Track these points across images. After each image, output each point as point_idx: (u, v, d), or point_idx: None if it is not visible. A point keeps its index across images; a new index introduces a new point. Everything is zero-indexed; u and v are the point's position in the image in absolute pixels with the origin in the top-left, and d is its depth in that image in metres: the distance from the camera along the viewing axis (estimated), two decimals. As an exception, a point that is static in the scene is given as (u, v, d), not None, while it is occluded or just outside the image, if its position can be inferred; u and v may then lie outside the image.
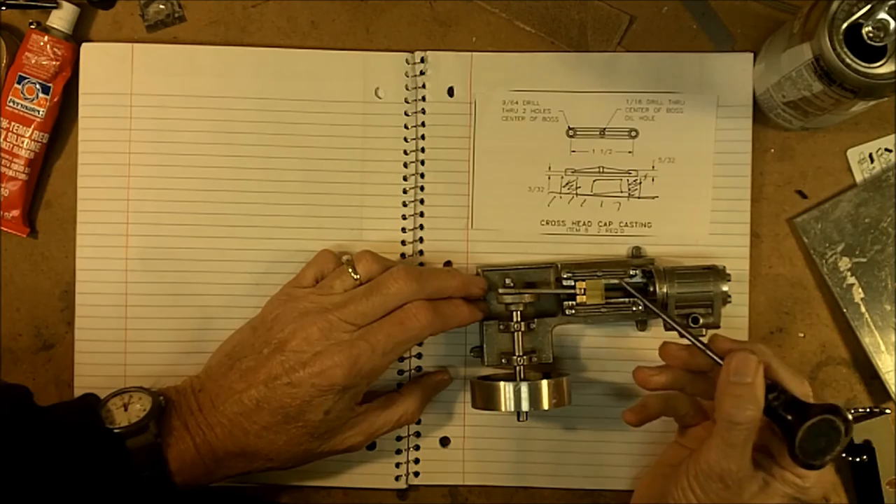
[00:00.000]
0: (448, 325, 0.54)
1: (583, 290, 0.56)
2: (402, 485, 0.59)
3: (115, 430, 0.48)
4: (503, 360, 0.57)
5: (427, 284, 0.53)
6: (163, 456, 0.49)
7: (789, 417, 0.46)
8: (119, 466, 0.48)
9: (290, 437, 0.51)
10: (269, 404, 0.50)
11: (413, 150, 0.60)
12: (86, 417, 0.49)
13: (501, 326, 0.57)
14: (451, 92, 0.60)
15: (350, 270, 0.53)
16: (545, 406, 0.54)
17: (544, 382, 0.54)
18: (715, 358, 0.48)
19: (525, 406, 0.54)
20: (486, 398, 0.55)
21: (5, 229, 0.60)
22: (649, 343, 0.59)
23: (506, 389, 0.54)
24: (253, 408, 0.50)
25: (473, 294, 0.56)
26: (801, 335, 0.59)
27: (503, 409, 0.54)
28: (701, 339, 0.50)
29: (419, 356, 0.59)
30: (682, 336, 0.52)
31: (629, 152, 0.59)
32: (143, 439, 0.48)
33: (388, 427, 0.55)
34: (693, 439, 0.54)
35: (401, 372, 0.59)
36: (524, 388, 0.54)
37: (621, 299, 0.56)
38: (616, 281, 0.56)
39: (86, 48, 0.60)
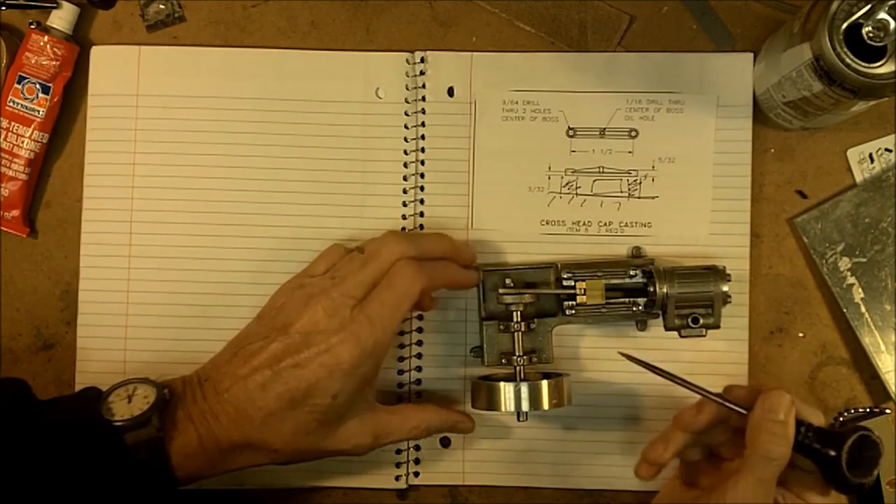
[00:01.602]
0: (437, 280, 0.53)
1: (583, 290, 0.56)
2: (402, 485, 0.59)
3: (117, 423, 0.47)
4: (503, 360, 0.57)
5: (418, 244, 0.53)
6: (164, 450, 0.48)
7: (830, 451, 0.47)
8: (117, 461, 0.47)
9: (297, 423, 0.50)
10: (274, 388, 0.49)
11: (413, 150, 0.60)
12: (84, 410, 0.49)
13: (501, 326, 0.57)
14: (451, 92, 0.60)
15: (359, 255, 0.54)
16: (545, 406, 0.54)
17: (544, 382, 0.54)
18: (738, 409, 0.49)
19: (525, 406, 0.54)
20: (486, 398, 0.55)
21: (5, 229, 0.60)
22: (649, 343, 0.59)
23: (506, 389, 0.54)
24: (258, 393, 0.49)
25: (464, 261, 0.56)
26: (801, 335, 0.59)
27: (503, 409, 0.54)
28: (717, 393, 0.51)
29: (419, 356, 0.60)
30: (692, 389, 0.51)
31: (629, 152, 0.59)
32: (146, 433, 0.47)
33: (398, 435, 0.54)
34: (695, 476, 0.54)
35: (401, 372, 0.59)
36: (524, 388, 0.54)
37: (621, 299, 0.56)
38: (617, 281, 0.56)
39: (95, 51, 0.60)
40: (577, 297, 0.56)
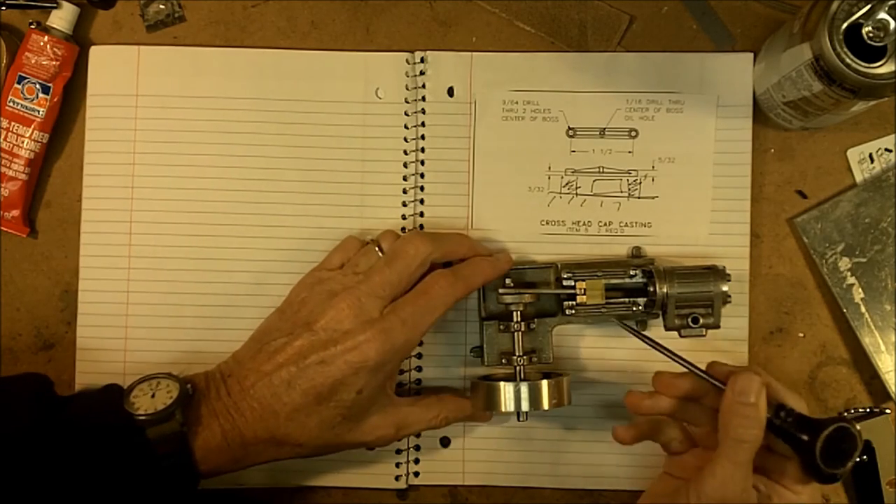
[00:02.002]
0: (472, 285, 0.54)
1: (583, 291, 0.56)
2: (402, 485, 0.59)
3: (140, 418, 0.48)
4: (503, 360, 0.57)
5: (441, 244, 0.53)
6: (188, 444, 0.48)
7: (804, 436, 0.47)
8: (140, 455, 0.47)
9: (322, 418, 0.50)
10: (300, 384, 0.49)
11: (413, 150, 0.60)
12: (108, 405, 0.49)
13: (501, 326, 0.57)
14: (451, 92, 0.60)
15: (376, 249, 0.54)
16: (545, 406, 0.54)
17: (544, 382, 0.54)
18: (717, 383, 0.49)
19: (525, 406, 0.54)
20: (485, 398, 0.55)
21: (5, 229, 0.60)
22: (649, 343, 0.59)
23: (506, 390, 0.54)
24: (284, 389, 0.49)
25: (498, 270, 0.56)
26: (801, 335, 0.59)
27: (503, 409, 0.54)
28: (699, 366, 0.51)
29: (419, 356, 0.59)
30: (676, 361, 0.52)
31: (629, 152, 0.59)
32: (169, 427, 0.48)
33: (418, 426, 0.55)
34: (681, 468, 0.53)
35: (401, 371, 0.59)
36: (524, 388, 0.54)
37: (621, 299, 0.56)
38: (617, 281, 0.56)
39: (94, 51, 0.60)
40: (577, 297, 0.56)
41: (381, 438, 0.53)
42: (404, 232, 0.59)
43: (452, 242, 0.55)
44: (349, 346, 0.49)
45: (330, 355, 0.49)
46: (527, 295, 0.56)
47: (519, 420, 0.55)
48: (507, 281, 0.57)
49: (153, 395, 0.49)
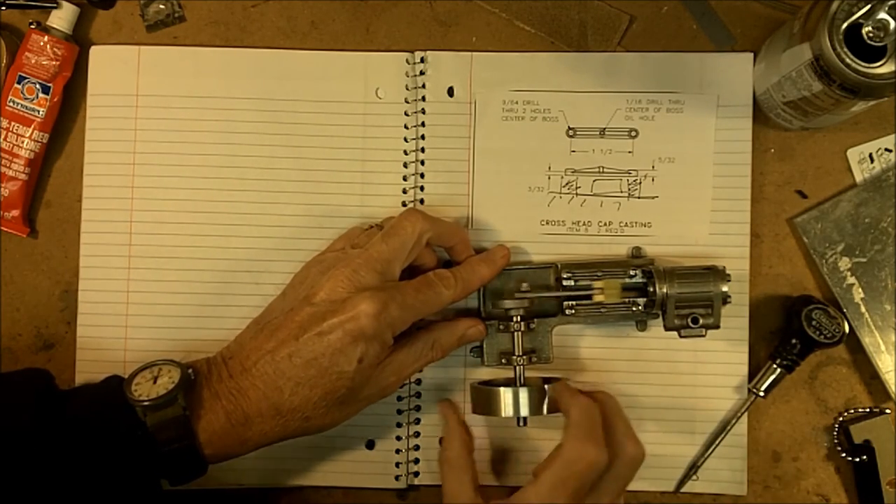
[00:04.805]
0: (470, 288, 0.55)
1: (600, 290, 0.56)
2: (402, 485, 0.59)
3: (144, 404, 0.48)
4: (503, 360, 0.57)
5: (435, 224, 0.54)
6: (191, 428, 0.48)
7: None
8: (144, 441, 0.47)
9: (326, 391, 0.50)
10: (301, 357, 0.49)
11: (413, 150, 0.60)
12: (110, 394, 0.49)
13: (501, 326, 0.57)
14: (451, 92, 0.60)
15: (378, 230, 0.54)
16: (545, 412, 0.54)
17: (544, 388, 0.54)
18: None
19: (524, 412, 0.54)
20: (485, 404, 0.55)
21: (5, 229, 0.60)
22: (649, 343, 0.59)
23: (505, 395, 0.54)
24: (286, 363, 0.49)
25: (495, 264, 0.57)
26: (801, 335, 0.59)
27: (503, 414, 0.54)
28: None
29: (419, 356, 0.59)
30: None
31: (629, 152, 0.59)
32: (172, 412, 0.48)
33: (417, 365, 0.55)
34: None
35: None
36: (523, 393, 0.54)
37: (622, 300, 0.56)
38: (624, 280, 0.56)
39: (94, 51, 0.60)
40: (594, 297, 0.56)
41: (384, 390, 0.53)
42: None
43: (447, 227, 0.56)
44: (348, 315, 0.49)
45: (329, 326, 0.49)
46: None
47: (519, 425, 0.54)
48: (524, 285, 0.57)
49: (155, 381, 0.49)
